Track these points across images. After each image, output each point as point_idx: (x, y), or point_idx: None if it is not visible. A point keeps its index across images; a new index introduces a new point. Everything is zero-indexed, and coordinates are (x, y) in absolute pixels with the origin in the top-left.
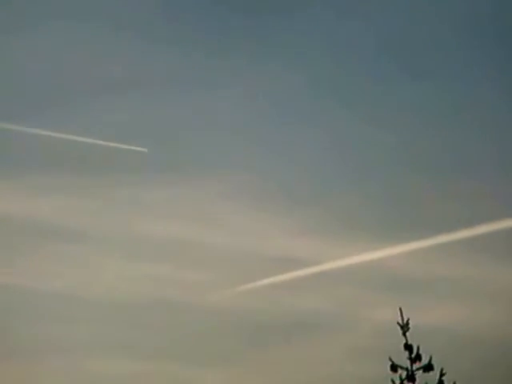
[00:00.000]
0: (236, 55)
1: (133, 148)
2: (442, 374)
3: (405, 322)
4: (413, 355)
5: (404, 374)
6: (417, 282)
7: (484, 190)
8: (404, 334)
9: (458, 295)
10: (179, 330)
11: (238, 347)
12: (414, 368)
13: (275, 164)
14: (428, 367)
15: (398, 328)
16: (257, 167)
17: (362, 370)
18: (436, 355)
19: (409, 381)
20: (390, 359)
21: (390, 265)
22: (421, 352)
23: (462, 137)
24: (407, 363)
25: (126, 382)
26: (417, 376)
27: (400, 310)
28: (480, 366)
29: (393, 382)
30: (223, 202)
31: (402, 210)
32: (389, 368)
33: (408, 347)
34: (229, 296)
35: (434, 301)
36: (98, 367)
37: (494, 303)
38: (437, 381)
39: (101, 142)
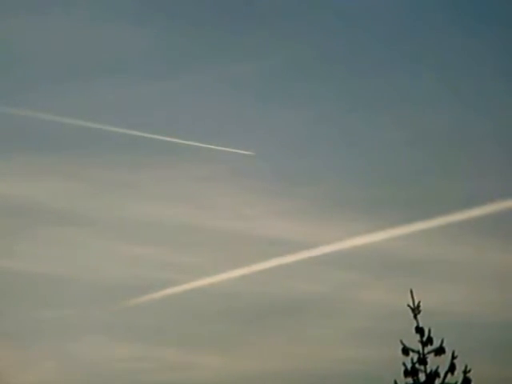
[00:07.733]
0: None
1: (125, 131)
2: (453, 357)
3: (416, 304)
4: (424, 338)
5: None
6: (413, 265)
7: (482, 170)
8: (415, 317)
9: (455, 277)
10: (170, 314)
11: (232, 331)
12: (426, 351)
13: (267, 145)
14: (440, 350)
15: (396, 311)
16: (249, 149)
17: (360, 352)
18: (436, 336)
19: (420, 364)
20: (402, 342)
21: (387, 247)
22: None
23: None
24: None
25: (119, 365)
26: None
27: (411, 292)
28: (478, 346)
29: (404, 364)
30: (215, 185)
31: (398, 192)
32: (400, 351)
33: (419, 330)
34: (222, 279)
35: (431, 283)
36: (90, 351)
37: (491, 285)
38: (449, 363)
39: (91, 125)
